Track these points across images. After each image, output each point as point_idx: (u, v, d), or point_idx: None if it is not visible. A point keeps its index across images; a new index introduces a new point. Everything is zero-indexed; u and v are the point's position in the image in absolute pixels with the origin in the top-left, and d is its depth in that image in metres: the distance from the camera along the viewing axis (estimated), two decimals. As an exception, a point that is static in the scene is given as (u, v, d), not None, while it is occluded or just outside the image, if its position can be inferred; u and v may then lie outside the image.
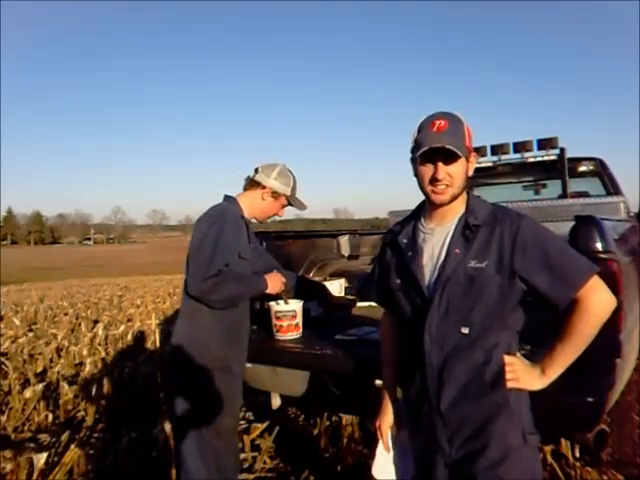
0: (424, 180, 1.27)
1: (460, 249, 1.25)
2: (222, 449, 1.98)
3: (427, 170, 1.26)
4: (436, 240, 1.31)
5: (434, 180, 1.25)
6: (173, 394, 2.04)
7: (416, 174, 1.30)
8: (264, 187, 2.12)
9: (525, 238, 1.21)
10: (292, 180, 2.17)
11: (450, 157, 1.22)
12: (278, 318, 2.51)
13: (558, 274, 1.18)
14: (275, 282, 2.18)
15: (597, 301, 1.18)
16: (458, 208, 1.31)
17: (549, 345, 1.25)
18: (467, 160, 1.27)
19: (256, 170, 2.17)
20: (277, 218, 2.35)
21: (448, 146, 1.20)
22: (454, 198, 1.27)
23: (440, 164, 1.23)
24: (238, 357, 2.10)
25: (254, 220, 2.22)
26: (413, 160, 1.30)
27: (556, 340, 1.23)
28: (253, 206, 2.15)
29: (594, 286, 1.18)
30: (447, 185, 1.24)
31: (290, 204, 2.21)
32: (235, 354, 2.08)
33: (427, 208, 1.36)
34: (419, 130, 1.29)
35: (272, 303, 2.51)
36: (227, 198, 2.16)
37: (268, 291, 2.15)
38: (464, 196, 1.32)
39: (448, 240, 1.28)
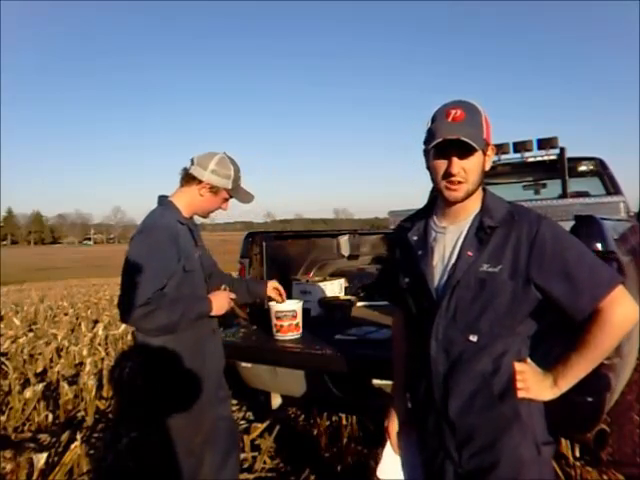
0: (437, 174, 1.18)
1: (473, 251, 1.17)
2: (194, 465, 1.90)
3: (441, 164, 1.16)
4: (448, 240, 1.23)
5: (448, 175, 1.15)
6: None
7: (429, 167, 1.21)
8: (200, 182, 1.88)
9: (543, 244, 1.12)
10: (233, 171, 1.92)
11: (466, 150, 1.12)
12: (278, 318, 2.50)
13: (577, 285, 1.10)
14: (221, 302, 1.94)
15: (619, 313, 1.10)
16: (473, 206, 1.21)
17: (563, 355, 1.18)
18: (484, 154, 1.18)
19: (192, 161, 1.92)
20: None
21: (464, 138, 1.10)
22: (468, 195, 1.18)
23: (455, 158, 1.13)
24: (205, 370, 1.93)
25: (197, 217, 2.01)
26: (426, 152, 1.20)
27: (572, 351, 1.15)
28: (191, 204, 1.93)
29: (617, 297, 1.10)
30: (462, 181, 1.15)
31: (232, 197, 1.98)
32: (201, 368, 1.91)
33: (440, 204, 1.27)
34: (433, 119, 1.19)
35: (272, 303, 2.50)
36: (161, 201, 1.92)
37: (214, 313, 1.92)
38: (480, 193, 1.23)
39: (461, 241, 1.20)
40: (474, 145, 1.11)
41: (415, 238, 1.29)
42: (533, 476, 1.16)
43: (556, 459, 2.47)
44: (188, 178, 1.91)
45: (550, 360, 1.23)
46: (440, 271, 1.22)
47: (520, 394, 1.17)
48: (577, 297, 1.11)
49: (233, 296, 2.06)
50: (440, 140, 1.12)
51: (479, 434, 1.18)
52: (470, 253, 1.17)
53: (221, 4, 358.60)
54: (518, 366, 1.18)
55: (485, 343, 1.16)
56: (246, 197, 2.02)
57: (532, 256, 1.12)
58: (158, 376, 1.87)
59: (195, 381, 1.89)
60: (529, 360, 1.23)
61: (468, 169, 1.15)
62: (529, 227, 1.14)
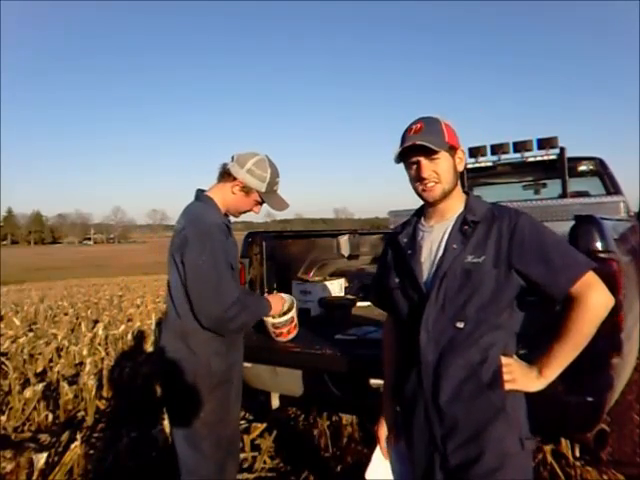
0: (413, 181, 1.32)
1: (457, 244, 1.26)
2: (223, 459, 1.89)
3: (413, 171, 1.30)
4: (435, 237, 1.32)
5: (421, 179, 1.28)
6: (170, 410, 1.97)
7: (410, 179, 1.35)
8: (234, 179, 1.87)
9: (522, 233, 1.22)
10: (270, 175, 1.88)
11: (430, 154, 1.26)
12: (277, 327, 2.46)
13: (555, 266, 1.19)
14: (277, 303, 2.11)
15: (595, 299, 1.18)
16: (456, 207, 1.33)
17: (546, 345, 1.23)
18: (452, 155, 1.30)
19: (232, 158, 1.92)
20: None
21: (419, 142, 1.23)
22: (445, 194, 1.29)
23: (423, 162, 1.27)
24: (237, 365, 1.97)
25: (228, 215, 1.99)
26: (405, 167, 1.34)
27: (553, 340, 1.21)
28: (224, 201, 1.91)
29: (591, 283, 1.19)
30: (435, 182, 1.28)
31: (264, 202, 1.94)
32: (235, 363, 1.94)
33: (426, 207, 1.38)
34: (401, 138, 1.33)
35: (267, 318, 2.33)
36: (200, 196, 1.92)
37: (271, 313, 2.08)
38: (462, 196, 1.35)
39: (446, 236, 1.29)
40: (430, 146, 1.23)
41: (405, 240, 1.39)
42: (517, 467, 1.22)
43: (556, 459, 2.48)
44: (225, 174, 1.91)
45: None
46: (428, 266, 1.31)
47: (507, 386, 1.23)
48: (555, 277, 1.19)
49: (286, 299, 2.23)
50: (400, 150, 1.28)
51: (465, 424, 1.22)
52: (455, 246, 1.26)
53: (221, 4, 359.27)
54: (504, 359, 1.24)
55: (471, 329, 1.22)
56: (279, 204, 1.96)
57: (512, 244, 1.22)
58: (195, 369, 1.83)
59: (230, 375, 1.90)
60: (515, 356, 1.27)
61: (438, 170, 1.28)
62: (509, 220, 1.25)
